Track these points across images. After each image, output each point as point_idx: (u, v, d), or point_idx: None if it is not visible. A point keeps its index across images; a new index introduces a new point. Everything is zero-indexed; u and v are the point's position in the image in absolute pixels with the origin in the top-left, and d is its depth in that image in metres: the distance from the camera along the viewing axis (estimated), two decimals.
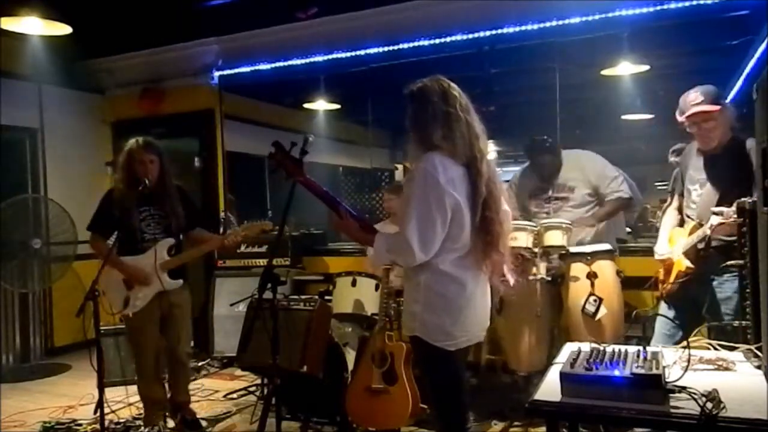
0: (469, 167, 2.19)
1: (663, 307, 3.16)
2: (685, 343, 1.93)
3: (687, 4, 4.22)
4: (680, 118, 2.97)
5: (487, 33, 4.83)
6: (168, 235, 3.63)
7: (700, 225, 2.90)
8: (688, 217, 3.12)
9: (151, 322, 3.62)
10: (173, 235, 3.65)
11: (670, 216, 3.26)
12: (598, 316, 3.39)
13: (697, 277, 2.93)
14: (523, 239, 3.51)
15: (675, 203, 3.28)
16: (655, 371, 1.67)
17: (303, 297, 3.87)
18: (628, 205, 3.95)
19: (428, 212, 2.10)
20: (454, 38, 4.94)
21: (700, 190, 3.04)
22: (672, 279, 3.02)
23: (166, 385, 3.81)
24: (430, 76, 2.28)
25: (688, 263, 2.93)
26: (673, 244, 3.10)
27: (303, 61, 5.50)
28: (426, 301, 2.21)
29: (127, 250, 3.57)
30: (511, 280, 2.43)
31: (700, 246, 2.88)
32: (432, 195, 2.11)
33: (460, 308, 2.21)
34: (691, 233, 2.96)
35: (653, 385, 1.65)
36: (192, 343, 4.50)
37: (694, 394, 1.62)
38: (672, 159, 3.32)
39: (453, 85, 2.26)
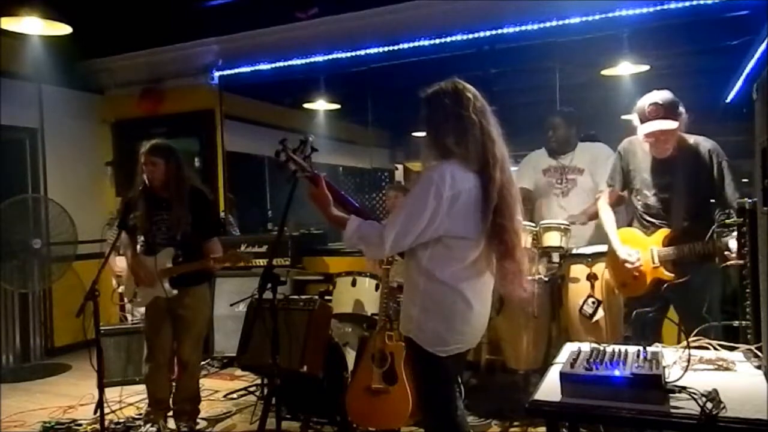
0: (482, 173, 2.15)
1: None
2: (685, 343, 1.93)
3: (687, 4, 4.22)
4: (638, 128, 2.93)
5: (487, 33, 4.84)
6: (173, 242, 3.60)
7: (676, 232, 2.91)
8: (647, 222, 3.10)
9: (162, 320, 3.65)
10: (178, 242, 3.60)
11: (610, 213, 3.23)
12: (596, 318, 3.39)
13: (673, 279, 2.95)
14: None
15: (608, 198, 3.26)
16: (655, 371, 1.67)
17: (303, 297, 3.88)
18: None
19: (417, 218, 2.10)
20: (454, 38, 4.94)
21: (660, 195, 3.03)
22: (647, 283, 3.02)
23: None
24: (447, 79, 2.25)
25: (668, 273, 2.95)
26: (635, 247, 3.07)
27: (303, 61, 5.50)
28: (423, 306, 2.21)
29: (147, 251, 3.64)
30: (527, 287, 2.38)
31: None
32: (429, 206, 2.09)
33: (457, 318, 2.20)
34: (664, 242, 2.96)
35: (653, 385, 1.65)
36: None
37: (694, 394, 1.62)
38: None
39: (469, 87, 2.22)
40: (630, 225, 3.24)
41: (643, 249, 3.04)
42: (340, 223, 2.23)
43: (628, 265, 3.05)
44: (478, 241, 2.17)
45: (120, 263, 4.45)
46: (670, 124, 2.82)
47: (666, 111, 2.83)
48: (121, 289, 4.50)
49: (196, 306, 3.70)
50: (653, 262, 3.00)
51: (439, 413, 2.30)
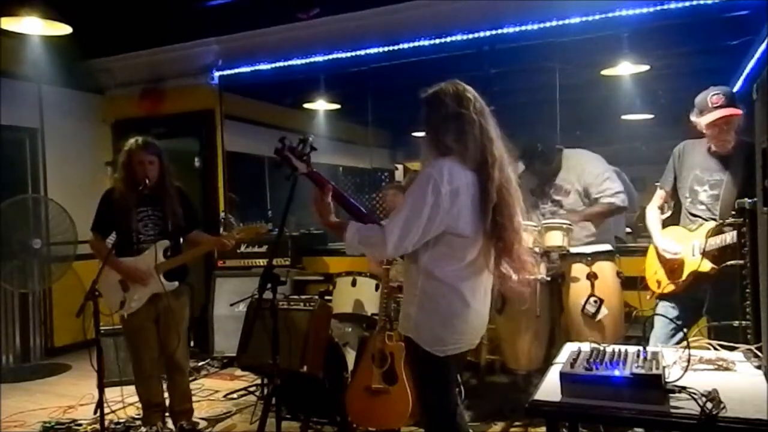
0: (480, 171, 2.17)
1: (664, 306, 3.15)
2: (685, 343, 1.93)
3: (687, 4, 4.22)
4: (699, 121, 2.95)
5: (487, 33, 4.84)
6: (164, 236, 3.59)
7: (721, 225, 2.88)
8: (694, 216, 3.10)
9: (147, 324, 3.58)
10: (170, 236, 3.60)
11: (656, 213, 3.26)
12: (599, 317, 3.39)
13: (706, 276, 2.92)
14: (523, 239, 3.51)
15: (659, 201, 3.28)
16: (655, 371, 1.67)
17: (303, 297, 3.88)
18: (620, 212, 3.93)
19: (418, 216, 2.10)
20: (454, 38, 4.94)
21: (710, 191, 3.04)
22: (683, 278, 3.01)
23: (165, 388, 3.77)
24: (447, 80, 2.27)
25: (711, 264, 2.90)
26: (678, 243, 3.08)
27: (303, 61, 5.50)
28: (420, 304, 2.21)
29: (123, 251, 3.54)
30: (527, 285, 2.39)
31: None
32: (428, 201, 2.10)
33: (454, 317, 2.20)
34: (708, 235, 2.94)
35: (653, 385, 1.65)
36: (192, 343, 4.47)
37: (694, 394, 1.62)
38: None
39: (469, 88, 2.25)
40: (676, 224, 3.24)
41: (685, 244, 3.05)
42: (340, 229, 2.24)
43: (667, 255, 3.06)
44: (478, 240, 2.18)
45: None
46: (735, 111, 2.86)
47: (729, 100, 2.88)
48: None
49: (183, 304, 3.69)
50: (692, 255, 2.99)
51: (439, 414, 2.29)
